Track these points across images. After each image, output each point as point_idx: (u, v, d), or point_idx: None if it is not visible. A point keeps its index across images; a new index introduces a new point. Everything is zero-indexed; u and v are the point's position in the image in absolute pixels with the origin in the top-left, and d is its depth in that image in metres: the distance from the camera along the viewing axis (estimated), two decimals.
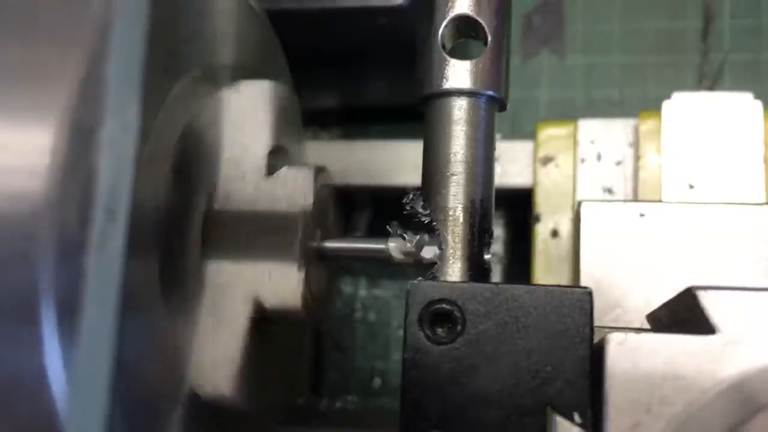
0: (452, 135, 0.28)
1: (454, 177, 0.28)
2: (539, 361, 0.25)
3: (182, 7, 0.29)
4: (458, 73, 0.28)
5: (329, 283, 0.35)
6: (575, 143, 0.41)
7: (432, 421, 0.25)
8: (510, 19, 0.29)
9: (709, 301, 0.23)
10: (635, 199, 0.39)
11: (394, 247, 0.30)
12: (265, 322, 0.33)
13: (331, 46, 0.42)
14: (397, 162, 0.44)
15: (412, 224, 0.30)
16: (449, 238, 0.28)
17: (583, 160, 0.41)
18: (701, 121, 0.38)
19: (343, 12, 0.40)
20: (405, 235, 0.30)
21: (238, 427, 0.35)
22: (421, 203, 0.28)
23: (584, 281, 0.35)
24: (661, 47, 0.47)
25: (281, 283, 0.32)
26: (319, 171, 0.33)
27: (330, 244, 0.33)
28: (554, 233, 0.40)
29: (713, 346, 0.23)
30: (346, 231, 0.46)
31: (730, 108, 0.38)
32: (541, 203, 0.41)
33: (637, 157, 0.39)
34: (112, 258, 0.20)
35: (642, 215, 0.35)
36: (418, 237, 0.29)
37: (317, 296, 0.34)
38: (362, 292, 0.48)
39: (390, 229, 0.31)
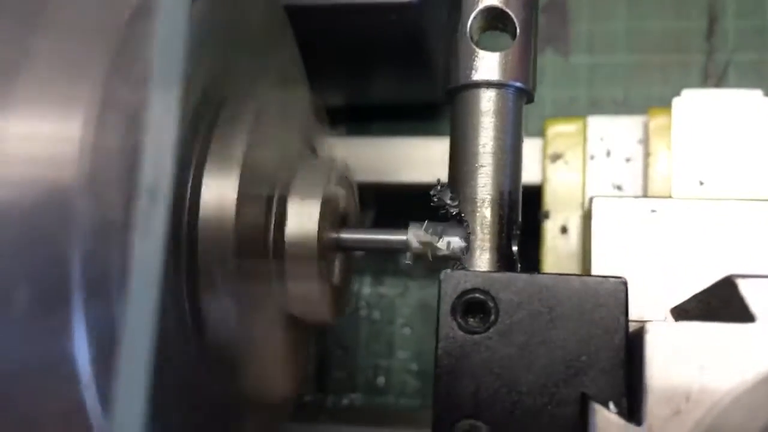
0: (481, 126, 0.28)
1: (483, 168, 0.28)
2: (574, 350, 0.25)
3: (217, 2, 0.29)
4: (487, 65, 0.28)
5: (346, 276, 0.35)
6: (584, 140, 0.41)
7: (465, 410, 0.25)
8: (537, 11, 0.29)
9: (748, 290, 0.23)
10: (645, 196, 0.39)
11: (414, 237, 0.30)
12: (283, 311, 0.33)
13: (340, 43, 0.42)
14: (402, 159, 0.44)
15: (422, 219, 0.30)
16: (478, 229, 0.28)
17: (592, 157, 0.41)
18: (711, 117, 0.38)
19: (355, 8, 0.40)
20: (425, 226, 0.30)
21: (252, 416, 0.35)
22: (449, 195, 0.28)
23: None
24: (666, 47, 0.47)
25: (301, 271, 0.31)
26: (341, 163, 0.33)
27: (347, 235, 0.33)
28: (563, 230, 0.40)
29: (753, 333, 0.23)
30: None
31: (739, 105, 0.38)
32: (550, 200, 0.41)
33: (646, 154, 0.40)
34: (155, 238, 0.20)
35: (653, 211, 0.35)
36: (439, 227, 0.29)
37: (337, 287, 0.33)
38: (366, 290, 0.48)
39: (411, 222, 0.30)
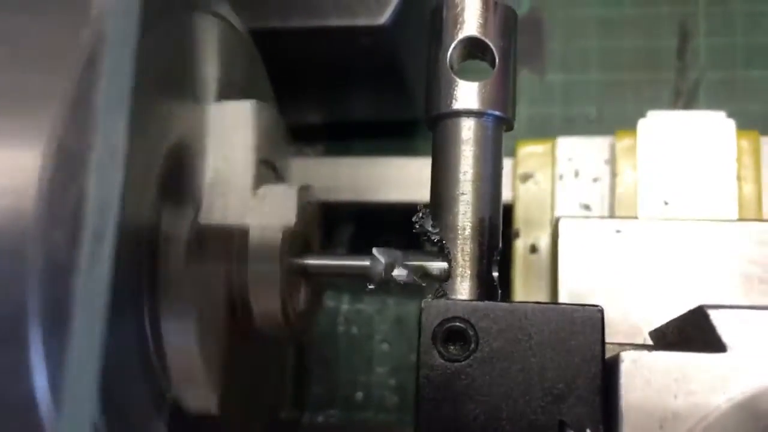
0: (461, 155, 0.29)
1: (464, 196, 0.28)
2: (552, 377, 0.25)
3: (169, 31, 0.30)
4: (467, 94, 0.28)
5: (313, 299, 0.36)
6: (553, 160, 0.42)
7: None
8: (516, 40, 0.30)
9: (719, 320, 0.24)
10: (612, 215, 0.40)
11: (376, 264, 0.30)
12: (247, 335, 0.33)
13: (314, 63, 0.43)
14: (380, 178, 0.44)
15: (396, 241, 0.31)
16: (459, 256, 0.28)
17: (561, 177, 0.41)
18: (676, 139, 0.39)
19: (327, 31, 0.40)
20: (388, 253, 0.30)
21: None
22: (431, 222, 0.29)
23: (562, 295, 0.36)
24: (638, 65, 0.49)
25: (263, 299, 0.32)
26: (303, 189, 0.34)
27: (312, 261, 0.34)
28: (533, 248, 0.41)
29: (724, 363, 0.24)
30: (328, 246, 0.46)
31: (703, 126, 0.39)
32: (521, 219, 0.42)
33: (613, 174, 0.40)
34: (99, 279, 0.20)
35: (618, 231, 0.36)
36: (398, 253, 0.30)
37: (300, 312, 0.34)
38: (345, 306, 0.48)
39: (374, 248, 0.31)
